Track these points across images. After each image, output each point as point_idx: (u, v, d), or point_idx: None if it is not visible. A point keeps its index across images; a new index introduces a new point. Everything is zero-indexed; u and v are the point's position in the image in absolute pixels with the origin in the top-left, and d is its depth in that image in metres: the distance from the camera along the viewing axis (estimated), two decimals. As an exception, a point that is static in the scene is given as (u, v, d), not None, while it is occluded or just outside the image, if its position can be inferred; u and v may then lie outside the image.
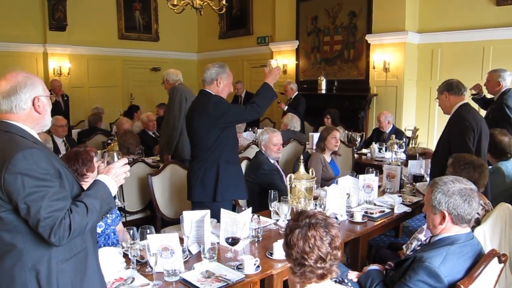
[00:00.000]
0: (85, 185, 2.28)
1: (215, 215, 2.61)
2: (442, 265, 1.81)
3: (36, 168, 1.44)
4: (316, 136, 5.37)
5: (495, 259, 1.91)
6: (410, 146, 5.28)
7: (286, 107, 6.77)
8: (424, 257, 1.85)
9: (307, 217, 1.59)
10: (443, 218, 1.92)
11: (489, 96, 4.54)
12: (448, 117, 3.28)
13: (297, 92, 7.09)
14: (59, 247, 1.51)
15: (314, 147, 5.14)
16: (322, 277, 1.58)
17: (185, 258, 2.23)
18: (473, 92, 4.60)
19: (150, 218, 3.97)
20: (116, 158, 1.72)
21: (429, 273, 1.80)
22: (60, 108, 7.39)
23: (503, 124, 3.89)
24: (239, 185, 3.17)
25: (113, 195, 1.66)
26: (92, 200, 1.56)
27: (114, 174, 1.66)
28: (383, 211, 3.11)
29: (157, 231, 3.16)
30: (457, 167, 2.62)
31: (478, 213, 2.29)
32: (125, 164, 1.72)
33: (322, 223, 1.57)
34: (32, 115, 1.59)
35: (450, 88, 3.19)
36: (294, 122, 5.69)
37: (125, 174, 1.71)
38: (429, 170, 3.77)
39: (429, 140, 6.25)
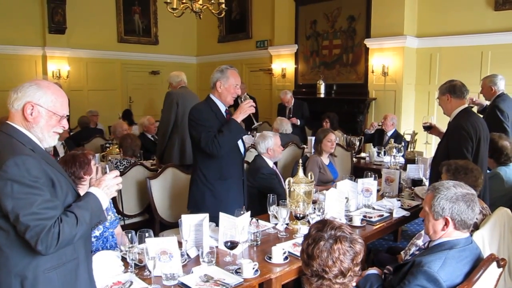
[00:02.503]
0: (83, 188, 2.29)
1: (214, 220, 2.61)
2: (441, 269, 1.81)
3: (26, 176, 1.43)
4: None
5: (494, 264, 1.91)
6: (409, 150, 5.29)
7: (298, 121, 6.63)
8: (423, 262, 1.85)
9: (332, 229, 1.54)
10: (446, 224, 1.91)
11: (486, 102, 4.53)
12: (447, 119, 3.28)
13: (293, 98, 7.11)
14: (47, 255, 1.49)
15: (313, 150, 5.16)
16: None
17: (184, 262, 2.22)
18: (471, 105, 4.45)
19: (149, 222, 3.96)
20: (107, 170, 1.71)
21: (428, 278, 1.79)
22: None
23: (495, 128, 3.89)
24: (223, 204, 2.79)
25: (104, 208, 1.64)
26: (82, 212, 1.54)
27: (105, 186, 1.65)
28: (382, 215, 3.11)
29: (156, 234, 3.15)
30: (451, 174, 2.61)
31: (476, 218, 2.29)
32: (116, 176, 1.70)
33: (348, 237, 1.54)
34: (23, 119, 1.57)
35: (453, 91, 3.15)
36: (284, 125, 5.71)
37: (117, 186, 1.69)
38: (428, 174, 3.77)
39: (428, 144, 6.24)
